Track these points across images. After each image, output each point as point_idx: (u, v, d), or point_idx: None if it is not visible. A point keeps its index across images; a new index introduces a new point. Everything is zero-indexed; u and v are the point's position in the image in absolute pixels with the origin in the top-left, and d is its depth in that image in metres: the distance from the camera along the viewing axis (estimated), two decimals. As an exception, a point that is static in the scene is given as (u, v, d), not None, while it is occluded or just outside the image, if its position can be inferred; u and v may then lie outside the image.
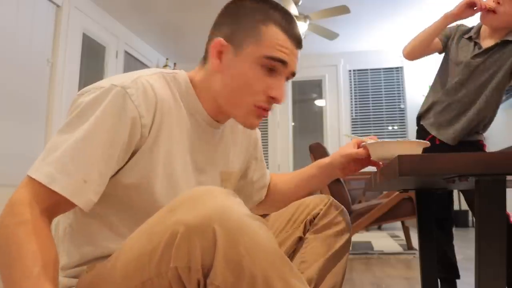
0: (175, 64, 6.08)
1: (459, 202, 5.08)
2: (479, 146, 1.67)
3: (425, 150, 0.88)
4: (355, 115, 6.06)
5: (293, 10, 4.19)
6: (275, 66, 0.79)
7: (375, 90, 6.03)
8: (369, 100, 6.06)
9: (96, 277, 0.67)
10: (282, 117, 6.24)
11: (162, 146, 0.76)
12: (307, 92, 6.47)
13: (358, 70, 6.08)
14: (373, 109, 6.02)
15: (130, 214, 0.76)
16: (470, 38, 1.59)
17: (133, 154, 0.74)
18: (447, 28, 1.60)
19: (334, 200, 0.98)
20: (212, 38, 0.83)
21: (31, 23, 3.82)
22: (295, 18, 0.85)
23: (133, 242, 0.63)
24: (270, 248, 0.57)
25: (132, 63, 5.49)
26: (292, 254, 0.94)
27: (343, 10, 4.17)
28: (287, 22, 0.80)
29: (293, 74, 0.83)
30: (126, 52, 5.34)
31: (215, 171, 0.88)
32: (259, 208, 1.11)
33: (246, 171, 1.04)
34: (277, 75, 0.80)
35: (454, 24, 1.57)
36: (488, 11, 1.43)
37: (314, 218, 0.94)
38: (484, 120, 1.62)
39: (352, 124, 6.03)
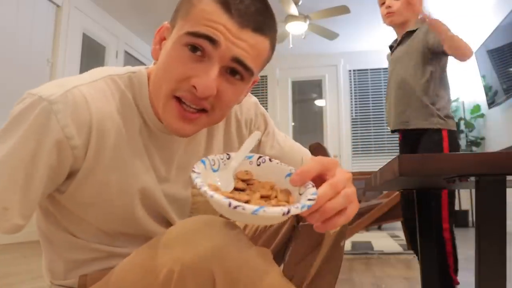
0: (175, 64, 6.08)
1: (459, 202, 5.09)
2: (431, 136, 1.60)
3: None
4: (355, 115, 6.06)
5: (293, 10, 4.19)
6: (200, 46, 0.60)
7: (375, 90, 6.03)
8: (369, 100, 6.06)
9: None
10: (282, 117, 6.25)
11: (109, 165, 0.65)
12: (307, 92, 6.47)
13: (358, 70, 6.08)
14: (373, 109, 6.02)
15: (92, 228, 0.71)
16: (391, 47, 1.83)
17: (74, 173, 0.65)
18: None
19: None
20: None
21: (31, 23, 3.82)
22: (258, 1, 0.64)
23: (125, 275, 0.60)
24: (272, 283, 0.55)
25: (132, 63, 5.49)
26: (286, 243, 0.89)
27: (343, 10, 4.17)
28: None
29: (239, 62, 0.62)
30: (126, 52, 5.35)
31: (183, 176, 0.76)
32: None
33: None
34: (206, 59, 0.61)
35: None
36: (387, 15, 1.67)
37: None
38: (411, 100, 1.61)
39: (352, 124, 6.04)
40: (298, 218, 0.89)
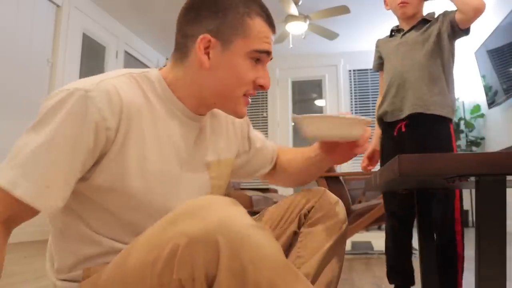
0: (175, 64, 6.08)
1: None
2: (443, 125, 1.55)
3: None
4: (355, 115, 6.05)
5: (293, 10, 4.19)
6: (262, 57, 0.82)
7: (375, 90, 6.03)
8: (369, 100, 6.06)
9: (95, 286, 0.67)
10: (282, 117, 6.25)
11: (133, 149, 0.73)
12: (307, 92, 6.48)
13: (358, 70, 6.08)
14: (373, 109, 6.02)
15: (108, 217, 0.75)
16: (392, 35, 1.74)
17: (101, 157, 0.72)
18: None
19: (329, 192, 0.96)
20: (192, 35, 0.79)
21: (31, 23, 3.82)
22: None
23: (133, 253, 0.63)
24: (274, 256, 0.57)
25: (132, 63, 5.49)
26: (287, 249, 0.92)
27: (343, 10, 4.17)
28: (264, 11, 0.83)
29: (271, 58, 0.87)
30: (126, 52, 5.35)
31: (200, 162, 0.87)
32: (275, 180, 1.11)
33: (243, 152, 1.02)
34: (263, 64, 0.83)
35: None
36: (401, 5, 1.61)
37: (308, 212, 0.93)
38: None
39: (352, 124, 6.03)
40: (300, 223, 0.93)
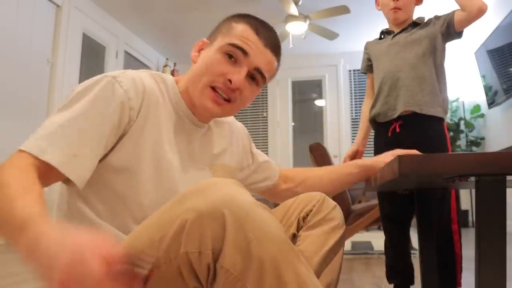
0: (175, 64, 6.08)
1: (459, 202, 5.09)
2: (435, 125, 1.57)
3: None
4: (355, 115, 6.06)
5: (293, 10, 4.19)
6: (235, 54, 0.83)
7: (375, 90, 6.03)
8: (369, 100, 6.06)
9: None
10: (282, 117, 6.24)
11: (149, 134, 0.80)
12: (307, 92, 6.47)
13: (358, 70, 6.07)
14: (373, 109, 6.02)
15: (114, 201, 0.78)
16: (381, 38, 1.76)
17: (121, 136, 0.77)
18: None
19: (327, 197, 0.98)
20: None
21: (31, 23, 3.82)
22: (274, 30, 0.91)
23: (142, 230, 0.64)
24: (277, 234, 0.58)
25: (132, 63, 5.49)
26: None
27: (343, 10, 4.17)
28: (260, 25, 0.87)
29: (258, 71, 0.86)
30: (126, 52, 5.35)
31: (202, 166, 0.92)
32: (278, 197, 1.14)
33: (245, 167, 1.07)
34: (238, 65, 0.84)
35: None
36: (394, 10, 1.63)
37: (307, 215, 0.94)
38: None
39: (352, 124, 6.03)
40: (298, 226, 0.95)
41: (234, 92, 0.85)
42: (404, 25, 1.65)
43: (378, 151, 1.69)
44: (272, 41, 0.87)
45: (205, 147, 0.93)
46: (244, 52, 0.83)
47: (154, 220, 0.64)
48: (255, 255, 0.56)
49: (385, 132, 1.63)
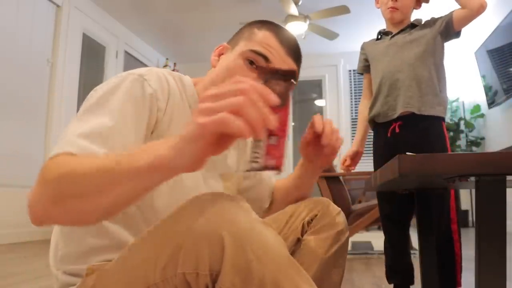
0: (175, 64, 6.08)
1: (459, 202, 5.09)
2: (435, 125, 1.58)
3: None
4: (355, 115, 6.06)
5: (293, 10, 4.19)
6: (256, 60, 0.83)
7: (375, 90, 6.03)
8: (369, 100, 6.06)
9: (99, 282, 0.67)
10: (282, 117, 6.24)
11: (170, 133, 0.77)
12: (307, 92, 6.48)
13: (358, 70, 6.08)
14: (373, 109, 6.02)
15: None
16: (379, 38, 1.76)
17: (147, 136, 0.75)
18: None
19: (332, 203, 0.98)
20: None
21: (31, 23, 3.82)
22: (295, 38, 0.89)
23: (138, 247, 0.63)
24: (278, 252, 0.57)
25: (132, 63, 5.49)
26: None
27: (343, 10, 4.17)
28: (282, 33, 0.86)
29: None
30: (126, 52, 5.35)
31: (214, 171, 0.90)
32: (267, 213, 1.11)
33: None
34: (257, 72, 0.83)
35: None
36: (391, 9, 1.63)
37: (312, 220, 0.94)
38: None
39: (352, 124, 6.04)
40: (303, 230, 0.95)
41: None
42: (402, 26, 1.66)
43: (377, 151, 1.70)
44: (294, 49, 0.87)
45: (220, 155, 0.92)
46: (266, 59, 0.83)
47: (152, 236, 0.62)
48: (255, 275, 0.54)
49: (385, 132, 1.63)
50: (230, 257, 0.54)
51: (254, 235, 0.56)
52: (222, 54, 0.89)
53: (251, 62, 0.83)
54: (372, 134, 1.76)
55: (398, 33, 1.66)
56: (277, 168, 0.58)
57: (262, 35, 0.85)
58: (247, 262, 0.55)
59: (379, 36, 1.78)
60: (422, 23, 1.65)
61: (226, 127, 0.49)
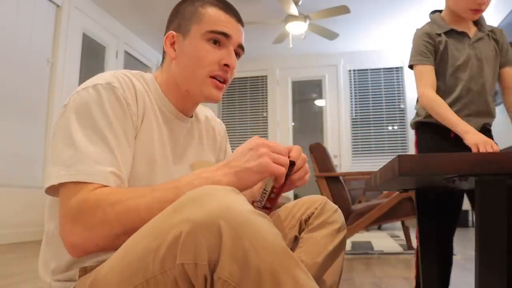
0: (175, 64, 6.08)
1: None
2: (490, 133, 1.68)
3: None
4: (355, 115, 6.06)
5: (293, 10, 4.19)
6: (219, 39, 0.86)
7: (375, 90, 6.03)
8: (369, 100, 6.06)
9: (97, 278, 0.67)
10: (282, 117, 6.25)
11: (144, 135, 0.81)
12: (307, 92, 6.48)
13: (358, 70, 6.08)
14: (373, 109, 6.02)
15: None
16: (447, 33, 1.64)
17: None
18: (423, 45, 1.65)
19: (328, 200, 0.99)
20: (165, 40, 0.91)
21: (31, 23, 3.82)
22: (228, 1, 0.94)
23: (136, 241, 0.63)
24: (274, 242, 0.58)
25: (132, 63, 5.49)
26: None
27: (343, 10, 4.17)
28: (224, 3, 0.89)
29: (241, 47, 0.90)
30: (126, 52, 5.35)
31: (185, 163, 0.92)
32: None
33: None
34: (224, 47, 0.87)
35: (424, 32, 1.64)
36: (477, 12, 1.56)
37: (309, 218, 0.95)
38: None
39: (352, 124, 6.04)
40: (300, 228, 0.95)
41: (229, 73, 0.89)
42: (467, 23, 1.64)
43: (439, 151, 1.66)
44: (237, 14, 0.91)
45: (189, 142, 0.95)
46: (226, 35, 0.86)
47: (150, 229, 0.63)
48: (252, 265, 0.55)
49: (447, 132, 1.59)
50: (228, 247, 0.55)
51: (251, 226, 0.57)
52: (174, 44, 0.90)
53: (215, 42, 0.86)
54: (418, 134, 1.71)
55: (475, 37, 1.62)
56: (269, 210, 0.84)
57: (211, 12, 0.87)
58: (244, 252, 0.55)
59: (440, 31, 1.64)
60: (481, 22, 1.65)
61: (277, 172, 0.72)
